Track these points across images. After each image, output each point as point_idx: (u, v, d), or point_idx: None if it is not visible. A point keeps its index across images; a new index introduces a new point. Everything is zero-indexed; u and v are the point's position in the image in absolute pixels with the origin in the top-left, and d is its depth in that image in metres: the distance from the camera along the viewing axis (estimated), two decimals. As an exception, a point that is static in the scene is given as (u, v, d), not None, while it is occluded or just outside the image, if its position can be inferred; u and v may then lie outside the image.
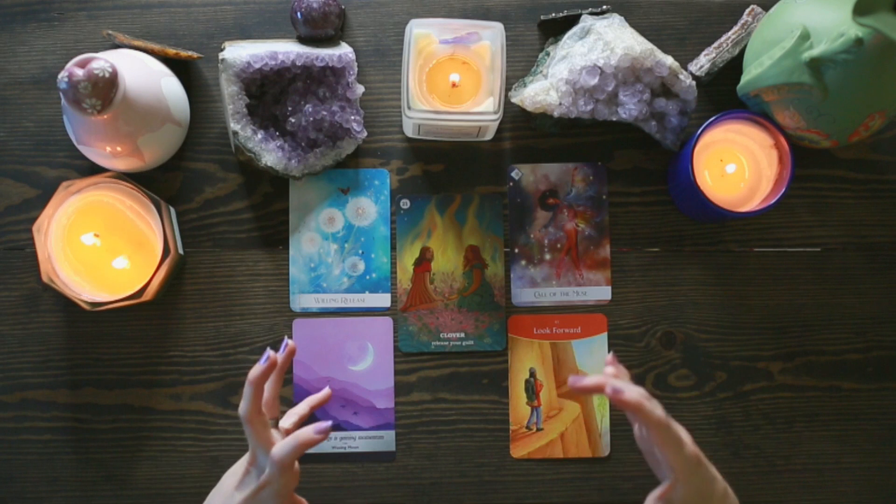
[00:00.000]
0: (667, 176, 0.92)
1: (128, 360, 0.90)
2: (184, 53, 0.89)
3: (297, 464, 0.73)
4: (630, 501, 0.88)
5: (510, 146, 0.92)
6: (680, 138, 0.90)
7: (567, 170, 0.92)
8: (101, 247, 0.86)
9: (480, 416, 0.91)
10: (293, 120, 0.88)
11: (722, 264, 0.92)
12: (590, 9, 0.91)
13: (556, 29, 0.92)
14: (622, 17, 0.89)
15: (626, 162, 0.92)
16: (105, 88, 0.77)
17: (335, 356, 0.90)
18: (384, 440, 0.90)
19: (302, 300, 0.91)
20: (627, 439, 0.90)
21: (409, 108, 0.84)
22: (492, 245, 0.92)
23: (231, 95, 0.86)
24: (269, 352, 0.72)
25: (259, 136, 0.87)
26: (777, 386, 0.91)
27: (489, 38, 0.85)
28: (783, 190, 0.84)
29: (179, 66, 0.90)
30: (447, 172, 0.92)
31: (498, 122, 0.85)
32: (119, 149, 0.84)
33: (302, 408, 0.78)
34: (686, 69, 0.91)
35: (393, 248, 0.92)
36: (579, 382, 0.67)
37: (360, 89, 0.89)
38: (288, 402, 0.90)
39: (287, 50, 0.87)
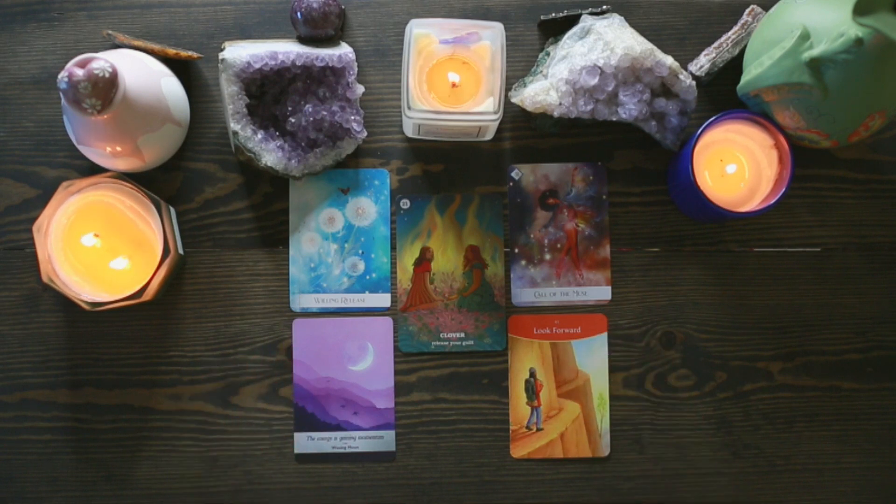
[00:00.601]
0: (667, 176, 0.92)
1: (128, 360, 0.90)
2: (184, 53, 0.89)
3: None
4: (630, 501, 0.88)
5: (510, 146, 0.92)
6: (680, 138, 0.90)
7: (567, 170, 0.92)
8: (100, 247, 0.86)
9: (480, 416, 0.91)
10: (293, 120, 0.88)
11: (722, 264, 0.92)
12: (590, 9, 0.91)
13: (556, 29, 0.92)
14: (622, 17, 0.89)
15: (626, 162, 0.92)
16: (105, 88, 0.77)
17: (335, 356, 0.90)
18: (384, 440, 0.90)
19: (302, 300, 0.91)
20: (627, 439, 0.90)
21: (409, 108, 0.84)
22: (492, 245, 0.92)
23: (231, 95, 0.86)
24: None
25: (259, 136, 0.87)
26: (777, 386, 0.91)
27: (489, 38, 0.85)
28: (783, 190, 0.84)
29: (179, 66, 0.91)
30: (447, 172, 0.92)
31: (498, 122, 0.85)
32: (119, 149, 0.84)
33: None
34: (686, 69, 0.91)
35: (393, 248, 0.92)
36: None
37: (360, 89, 0.89)
38: (287, 402, 0.90)
39: (287, 50, 0.87)
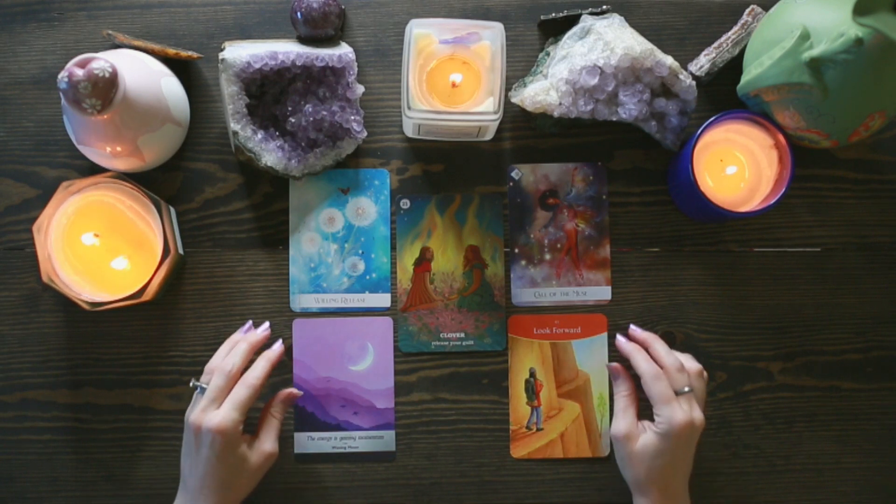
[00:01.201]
0: (667, 176, 0.92)
1: (128, 360, 0.90)
2: (184, 53, 0.89)
3: (272, 444, 0.83)
4: (630, 501, 0.88)
5: (510, 146, 0.92)
6: (680, 138, 0.90)
7: (567, 170, 0.92)
8: (100, 247, 0.86)
9: (480, 416, 0.91)
10: (293, 120, 0.88)
11: (722, 264, 0.92)
12: (590, 9, 0.91)
13: (556, 29, 0.92)
14: (622, 17, 0.89)
15: (626, 162, 0.92)
16: (105, 88, 0.77)
17: (335, 356, 0.90)
18: (384, 440, 0.90)
19: (302, 300, 0.91)
20: (627, 439, 0.90)
21: (409, 108, 0.84)
22: (492, 245, 0.92)
23: (231, 95, 0.86)
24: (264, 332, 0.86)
25: (259, 136, 0.87)
26: (777, 386, 0.91)
27: (489, 38, 0.85)
28: (783, 190, 0.84)
29: (179, 66, 0.91)
30: (447, 172, 0.92)
31: (498, 122, 0.85)
32: (119, 149, 0.84)
33: (240, 347, 0.83)
34: (686, 69, 0.91)
35: (393, 248, 0.92)
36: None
37: (360, 89, 0.89)
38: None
39: (287, 50, 0.87)
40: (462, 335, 0.91)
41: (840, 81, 0.79)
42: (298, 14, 0.88)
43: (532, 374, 0.91)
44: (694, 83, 0.87)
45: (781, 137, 0.85)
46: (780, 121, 0.85)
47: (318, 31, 0.88)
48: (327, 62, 0.87)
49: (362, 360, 0.90)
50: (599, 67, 0.85)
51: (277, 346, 0.86)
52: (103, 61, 0.78)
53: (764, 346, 0.92)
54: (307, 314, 0.91)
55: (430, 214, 0.92)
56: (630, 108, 0.86)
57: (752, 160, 0.89)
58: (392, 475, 0.90)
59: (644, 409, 0.84)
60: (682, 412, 0.80)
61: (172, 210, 0.89)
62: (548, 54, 0.90)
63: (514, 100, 0.89)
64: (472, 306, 0.91)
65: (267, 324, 0.87)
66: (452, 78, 0.86)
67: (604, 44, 0.85)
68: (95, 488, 0.89)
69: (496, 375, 0.91)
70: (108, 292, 0.84)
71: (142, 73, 0.84)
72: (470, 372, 0.91)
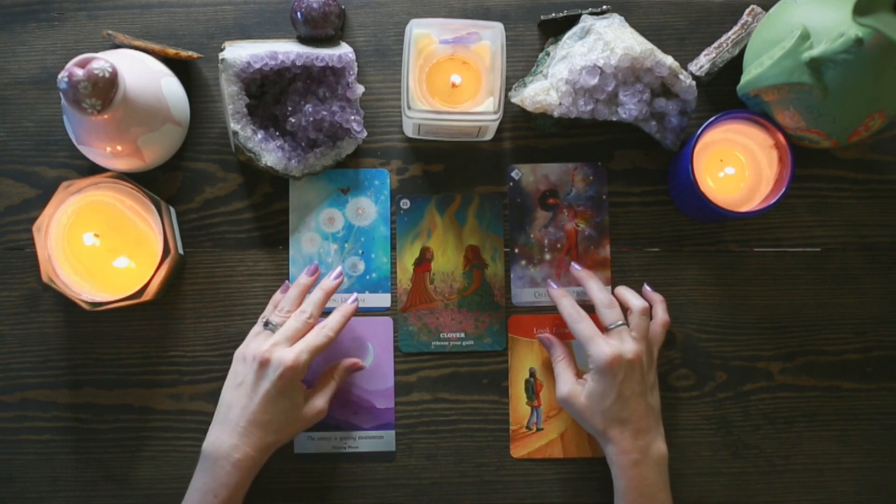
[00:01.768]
0: (667, 176, 0.92)
1: (128, 360, 0.90)
2: (184, 53, 0.89)
3: (324, 402, 0.84)
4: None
5: (510, 146, 0.92)
6: (680, 138, 0.90)
7: (567, 170, 0.92)
8: (101, 247, 0.86)
9: (480, 416, 0.91)
10: (293, 120, 0.88)
11: (722, 264, 0.92)
12: (590, 9, 0.91)
13: (556, 29, 0.92)
14: (622, 17, 0.89)
15: (626, 162, 0.92)
16: (105, 88, 0.77)
17: (335, 356, 0.90)
18: (384, 440, 0.90)
19: (302, 300, 0.91)
20: (627, 439, 0.90)
21: (409, 108, 0.84)
22: (492, 245, 0.92)
23: (231, 95, 0.86)
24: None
25: (259, 136, 0.87)
26: (777, 386, 0.91)
27: (489, 38, 0.85)
28: (783, 190, 0.84)
29: (179, 66, 0.91)
30: (447, 172, 0.92)
31: (498, 122, 0.85)
32: (119, 149, 0.84)
33: (317, 295, 0.85)
34: (686, 69, 0.91)
35: (393, 248, 0.92)
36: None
37: (360, 89, 0.89)
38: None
39: (287, 50, 0.87)
40: (462, 335, 0.91)
41: (840, 81, 0.79)
42: (298, 14, 0.88)
43: (532, 374, 0.91)
44: (694, 83, 0.87)
45: (781, 137, 0.85)
46: (780, 121, 0.85)
47: (318, 31, 0.88)
48: (327, 62, 0.87)
49: (362, 360, 0.90)
50: (599, 67, 0.85)
51: (352, 301, 0.86)
52: (103, 61, 0.78)
53: (764, 346, 0.92)
54: (307, 314, 0.91)
55: (430, 214, 0.92)
56: (630, 108, 0.86)
57: (752, 160, 0.88)
58: (392, 475, 0.90)
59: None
60: (608, 346, 0.80)
61: (172, 210, 0.89)
62: (548, 54, 0.90)
63: (514, 100, 0.89)
64: (472, 306, 0.91)
65: (340, 269, 0.87)
66: (452, 78, 0.86)
67: (604, 44, 0.85)
68: (95, 488, 0.89)
69: (496, 375, 0.91)
70: (108, 292, 0.84)
71: (142, 73, 0.84)
72: (470, 372, 0.91)
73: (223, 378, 0.90)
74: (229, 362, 0.90)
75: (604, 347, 0.80)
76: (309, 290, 0.86)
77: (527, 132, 0.92)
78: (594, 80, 0.85)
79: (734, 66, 0.90)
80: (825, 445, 0.91)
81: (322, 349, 0.82)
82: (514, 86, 0.90)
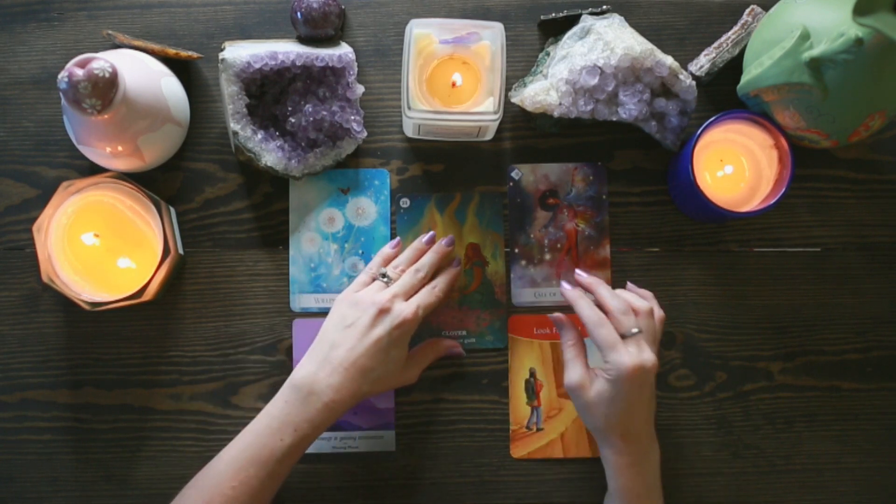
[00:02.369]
0: (667, 176, 0.92)
1: (128, 360, 0.90)
2: (184, 53, 0.89)
3: (417, 373, 0.86)
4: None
5: (510, 146, 0.92)
6: (680, 138, 0.90)
7: (567, 170, 0.92)
8: (100, 247, 0.86)
9: (480, 416, 0.91)
10: (293, 120, 0.88)
11: (722, 264, 0.92)
12: (590, 9, 0.91)
13: (556, 29, 0.92)
14: (622, 17, 0.89)
15: (626, 162, 0.92)
16: (105, 88, 0.77)
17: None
18: (384, 440, 0.90)
19: (302, 300, 0.91)
20: (627, 439, 0.90)
21: (409, 108, 0.84)
22: (492, 243, 0.92)
23: (231, 95, 0.86)
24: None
25: (259, 136, 0.87)
26: (777, 386, 0.91)
27: (489, 38, 0.85)
28: (783, 190, 0.84)
29: (179, 66, 0.91)
30: (447, 172, 0.92)
31: (498, 122, 0.85)
32: (119, 149, 0.84)
33: (431, 256, 0.87)
34: (686, 69, 0.91)
35: (393, 248, 0.91)
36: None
37: (360, 89, 0.89)
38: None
39: (287, 50, 0.87)
40: (463, 333, 0.91)
41: (840, 81, 0.79)
42: (298, 14, 0.88)
43: (532, 374, 0.91)
44: (694, 83, 0.87)
45: (781, 137, 0.85)
46: (780, 121, 0.85)
47: (318, 31, 0.88)
48: (327, 62, 0.87)
49: (362, 360, 0.90)
50: (599, 67, 0.85)
51: (456, 265, 0.89)
52: (103, 61, 0.78)
53: (764, 346, 0.92)
54: (307, 314, 0.91)
55: (429, 213, 0.92)
56: (630, 108, 0.86)
57: (752, 160, 0.89)
58: (392, 475, 0.90)
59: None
60: (629, 356, 0.79)
61: (172, 210, 0.89)
62: (548, 54, 0.90)
63: (514, 100, 0.89)
64: (474, 304, 0.91)
65: (451, 237, 0.89)
66: (452, 78, 0.86)
67: (604, 44, 0.85)
68: (95, 488, 0.89)
69: (496, 375, 0.91)
70: (108, 292, 0.84)
71: (142, 73, 0.84)
72: (470, 372, 0.91)
73: (223, 378, 0.90)
74: (229, 362, 0.90)
75: (625, 357, 0.78)
76: (422, 254, 0.88)
77: (527, 132, 0.92)
78: (594, 80, 0.85)
79: (734, 66, 0.90)
80: (825, 445, 0.91)
81: (433, 308, 0.84)
82: (514, 86, 0.90)
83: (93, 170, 0.89)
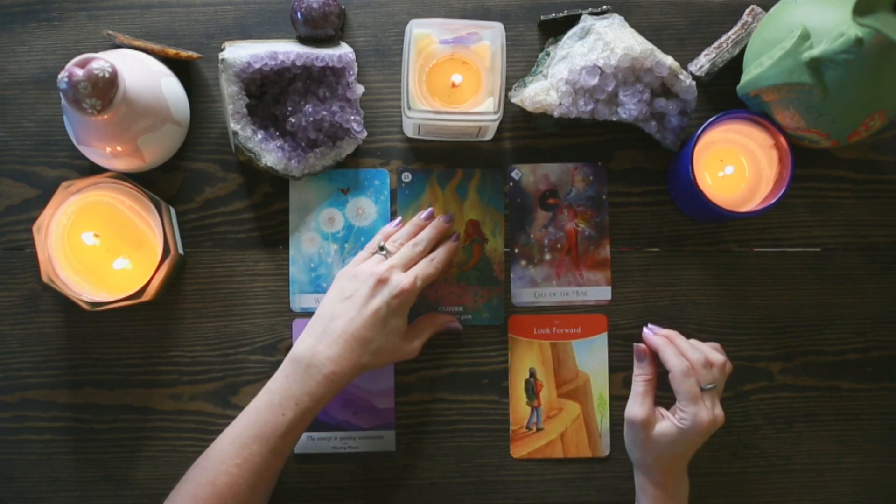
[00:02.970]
0: (667, 176, 0.92)
1: (128, 360, 0.90)
2: (184, 53, 0.89)
3: (418, 345, 0.86)
4: (630, 501, 0.88)
5: (510, 146, 0.92)
6: (680, 138, 0.90)
7: (567, 170, 0.92)
8: (101, 247, 0.86)
9: (480, 416, 0.91)
10: (293, 120, 0.88)
11: (722, 264, 0.92)
12: (590, 9, 0.91)
13: (556, 29, 0.92)
14: (622, 17, 0.89)
15: (626, 162, 0.92)
16: (105, 88, 0.77)
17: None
18: (384, 440, 0.90)
19: (302, 300, 0.91)
20: (627, 439, 0.90)
21: (409, 108, 0.84)
22: (492, 220, 0.92)
23: (231, 95, 0.86)
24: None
25: (259, 136, 0.87)
26: (777, 386, 0.91)
27: (489, 38, 0.85)
28: (783, 190, 0.84)
29: (179, 66, 0.91)
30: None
31: (498, 122, 0.85)
32: (119, 149, 0.84)
33: (430, 231, 0.87)
34: (686, 69, 0.91)
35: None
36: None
37: (360, 89, 0.89)
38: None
39: (287, 50, 0.87)
40: (460, 309, 0.91)
41: (840, 81, 0.79)
42: (298, 14, 0.88)
43: (532, 374, 0.91)
44: (694, 83, 0.87)
45: (781, 137, 0.85)
46: (780, 121, 0.85)
47: (318, 31, 0.88)
48: (327, 62, 0.87)
49: (362, 360, 0.90)
50: (599, 67, 0.85)
51: (454, 239, 0.89)
52: (103, 61, 0.78)
53: (764, 346, 0.92)
54: (307, 314, 0.91)
55: (431, 188, 0.92)
56: (630, 108, 0.86)
57: (752, 160, 0.89)
58: (392, 475, 0.90)
59: (661, 398, 0.84)
60: (706, 411, 0.81)
61: (172, 210, 0.89)
62: (548, 54, 0.90)
63: (514, 100, 0.89)
64: (472, 280, 0.91)
65: (451, 214, 0.89)
66: (452, 78, 0.86)
67: (604, 44, 0.85)
68: (95, 488, 0.89)
69: (496, 375, 0.91)
70: (108, 292, 0.84)
71: (142, 73, 0.84)
72: (470, 372, 0.91)
73: (223, 378, 0.90)
74: (229, 362, 0.90)
75: (703, 413, 0.80)
76: (421, 230, 0.88)
77: (527, 132, 0.92)
78: (594, 80, 0.85)
79: (734, 66, 0.90)
80: (825, 445, 0.91)
81: (432, 279, 0.85)
82: (514, 86, 0.90)
83: (93, 170, 0.89)
